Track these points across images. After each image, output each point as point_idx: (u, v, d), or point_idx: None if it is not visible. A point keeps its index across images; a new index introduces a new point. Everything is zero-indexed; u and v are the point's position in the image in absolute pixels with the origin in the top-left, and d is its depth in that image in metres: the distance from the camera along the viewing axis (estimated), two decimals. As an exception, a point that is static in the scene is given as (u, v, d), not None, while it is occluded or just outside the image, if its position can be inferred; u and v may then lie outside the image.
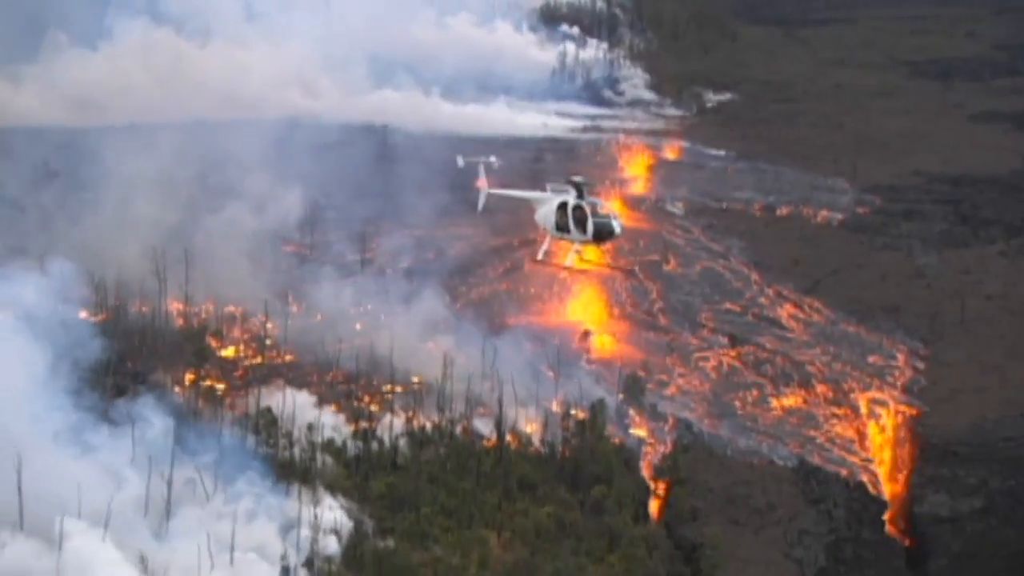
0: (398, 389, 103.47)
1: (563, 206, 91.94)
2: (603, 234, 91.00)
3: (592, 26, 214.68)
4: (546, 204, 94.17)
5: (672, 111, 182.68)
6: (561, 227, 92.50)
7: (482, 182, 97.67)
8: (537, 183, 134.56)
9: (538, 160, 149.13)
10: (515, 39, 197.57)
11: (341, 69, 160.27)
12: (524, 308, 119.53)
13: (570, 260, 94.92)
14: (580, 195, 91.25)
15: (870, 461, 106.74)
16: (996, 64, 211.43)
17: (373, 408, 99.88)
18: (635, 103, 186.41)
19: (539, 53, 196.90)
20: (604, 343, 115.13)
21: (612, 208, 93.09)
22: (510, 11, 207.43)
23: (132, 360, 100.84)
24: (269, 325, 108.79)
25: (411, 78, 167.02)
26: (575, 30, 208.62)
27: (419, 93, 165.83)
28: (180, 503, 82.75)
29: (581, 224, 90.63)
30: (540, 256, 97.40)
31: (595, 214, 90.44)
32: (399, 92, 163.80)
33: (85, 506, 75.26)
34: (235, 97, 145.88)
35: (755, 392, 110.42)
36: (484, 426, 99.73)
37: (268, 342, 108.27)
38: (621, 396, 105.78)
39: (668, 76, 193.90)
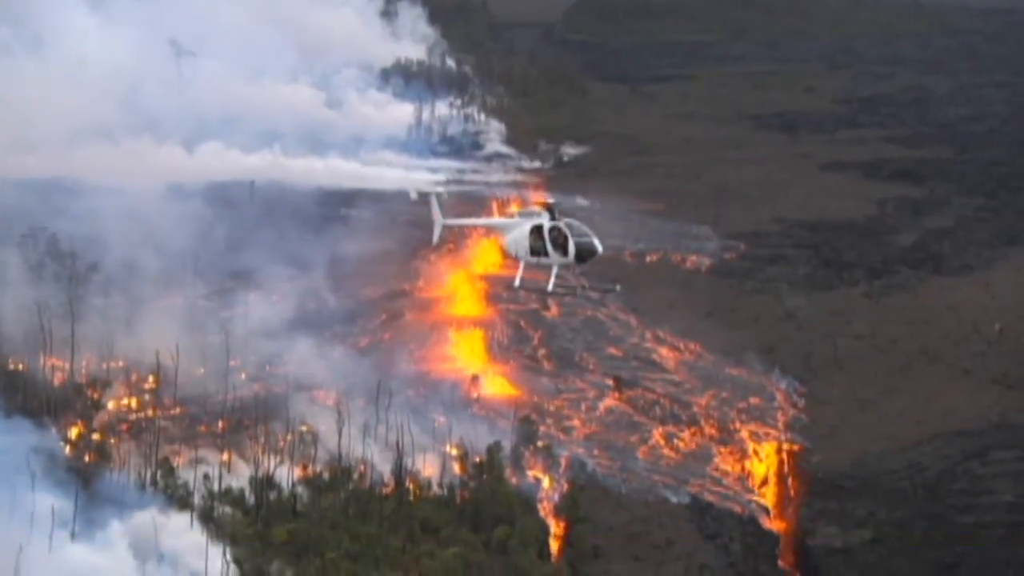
0: (289, 437, 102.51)
1: (538, 229, 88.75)
2: (585, 254, 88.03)
3: (443, 84, 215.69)
4: (516, 229, 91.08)
5: (530, 164, 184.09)
6: (537, 251, 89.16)
7: (436, 214, 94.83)
8: (410, 232, 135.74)
9: (408, 213, 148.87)
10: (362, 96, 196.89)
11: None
12: (409, 356, 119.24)
13: (551, 285, 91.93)
14: (553, 216, 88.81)
15: (760, 497, 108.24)
16: (837, 117, 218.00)
17: (269, 456, 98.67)
18: (493, 157, 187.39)
19: (393, 110, 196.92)
20: (493, 388, 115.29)
21: (587, 228, 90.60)
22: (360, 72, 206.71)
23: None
24: (152, 379, 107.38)
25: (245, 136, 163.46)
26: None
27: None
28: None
29: (561, 246, 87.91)
30: (517, 283, 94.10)
31: (575, 234, 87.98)
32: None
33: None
34: None
35: (644, 433, 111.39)
36: (381, 471, 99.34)
37: (149, 394, 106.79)
38: (515, 439, 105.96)
39: (523, 131, 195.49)
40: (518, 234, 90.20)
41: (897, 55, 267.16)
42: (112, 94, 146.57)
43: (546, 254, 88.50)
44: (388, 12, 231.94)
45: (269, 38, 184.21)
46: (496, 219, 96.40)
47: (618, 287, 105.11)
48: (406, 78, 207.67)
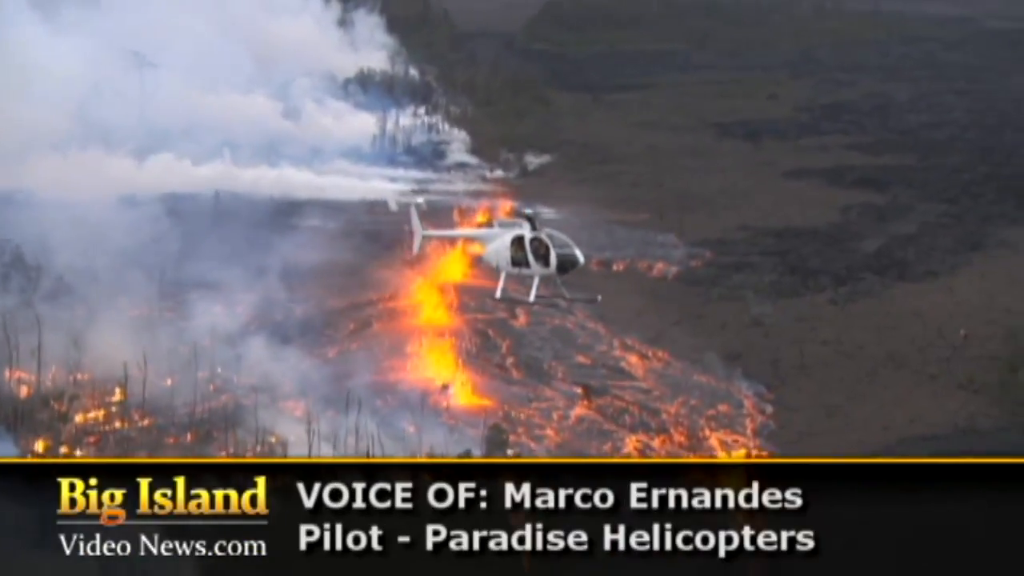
0: (258, 448, 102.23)
1: (519, 240, 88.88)
2: (567, 265, 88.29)
3: (405, 94, 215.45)
4: (496, 240, 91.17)
5: (495, 174, 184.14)
6: (518, 262, 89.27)
7: (416, 224, 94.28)
8: (376, 242, 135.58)
9: (373, 223, 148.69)
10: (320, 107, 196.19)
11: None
12: (377, 366, 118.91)
13: (532, 295, 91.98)
14: (534, 227, 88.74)
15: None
16: (800, 125, 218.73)
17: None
18: (455, 167, 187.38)
19: (354, 120, 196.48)
20: (462, 397, 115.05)
21: (568, 238, 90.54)
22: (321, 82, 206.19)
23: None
24: (119, 391, 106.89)
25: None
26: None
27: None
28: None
29: (542, 257, 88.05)
30: (498, 294, 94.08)
31: (557, 245, 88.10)
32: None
33: None
34: None
35: (616, 441, 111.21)
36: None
37: (116, 406, 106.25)
38: (485, 448, 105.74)
39: (486, 140, 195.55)
40: (499, 245, 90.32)
41: (858, 63, 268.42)
42: (64, 105, 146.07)
43: (527, 265, 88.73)
44: (344, 21, 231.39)
45: (224, 48, 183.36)
46: (477, 230, 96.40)
47: (599, 298, 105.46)
48: (366, 88, 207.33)
